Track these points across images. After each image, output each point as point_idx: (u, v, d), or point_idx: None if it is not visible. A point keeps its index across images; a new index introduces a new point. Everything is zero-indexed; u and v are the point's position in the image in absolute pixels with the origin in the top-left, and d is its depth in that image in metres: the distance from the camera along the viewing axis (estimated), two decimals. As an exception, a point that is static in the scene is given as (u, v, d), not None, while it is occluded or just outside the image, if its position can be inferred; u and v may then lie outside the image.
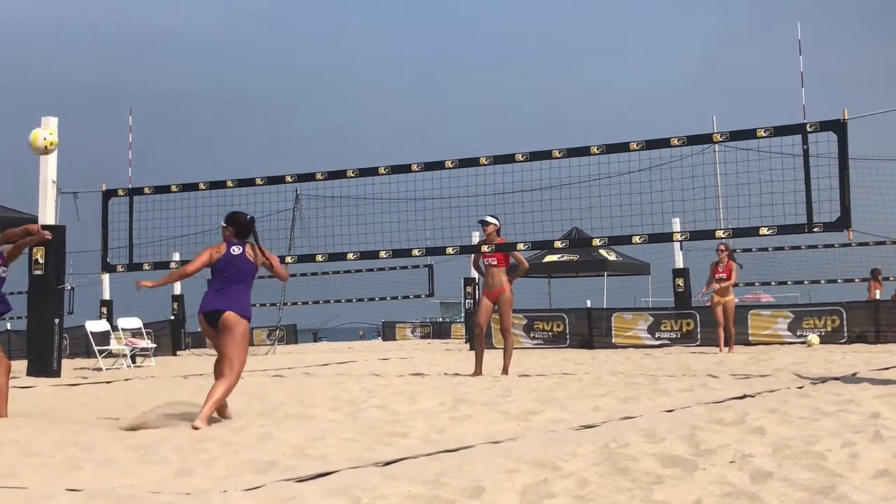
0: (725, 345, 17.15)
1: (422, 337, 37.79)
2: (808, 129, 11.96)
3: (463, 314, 27.83)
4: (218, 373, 7.86)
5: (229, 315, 7.70)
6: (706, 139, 13.42)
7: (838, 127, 11.81)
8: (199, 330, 35.26)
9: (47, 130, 12.90)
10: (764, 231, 12.50)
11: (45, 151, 13.10)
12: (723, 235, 13.73)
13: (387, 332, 39.46)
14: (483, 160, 13.78)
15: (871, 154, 23.25)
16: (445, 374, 13.19)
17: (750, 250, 29.37)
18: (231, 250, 7.89)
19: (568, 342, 20.97)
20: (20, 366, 15.38)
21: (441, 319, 45.15)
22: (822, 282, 30.05)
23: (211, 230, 15.63)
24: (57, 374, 14.47)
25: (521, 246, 14.16)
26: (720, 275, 17.18)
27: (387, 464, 5.29)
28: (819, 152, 12.03)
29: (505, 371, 12.74)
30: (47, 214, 15.18)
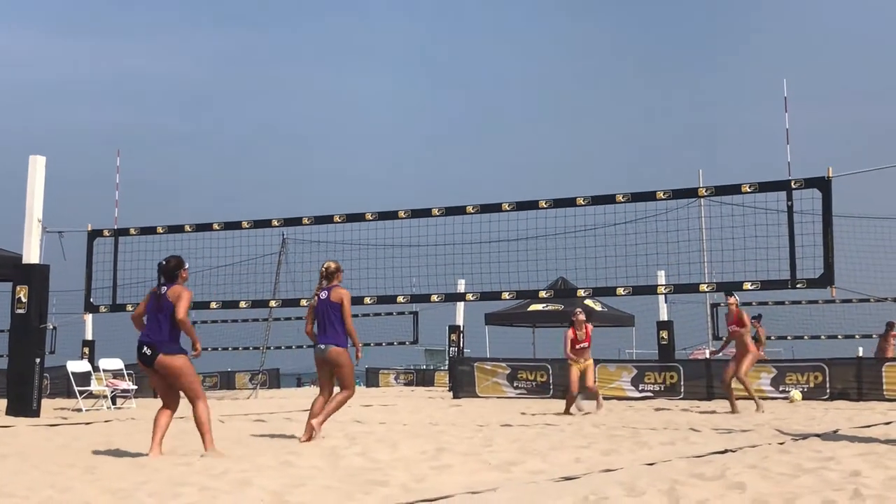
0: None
1: (405, 384, 37.60)
2: (793, 186, 12.07)
3: (447, 362, 27.78)
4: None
5: (161, 358, 8.45)
6: (692, 193, 13.52)
7: (823, 184, 11.92)
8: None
9: None
10: (748, 286, 12.57)
11: None
12: (707, 289, 13.76)
13: (370, 378, 39.26)
14: (470, 209, 13.84)
15: (855, 212, 23.42)
16: (429, 423, 13.12)
17: (734, 305, 29.48)
18: (160, 289, 8.67)
19: (551, 392, 20.89)
20: (-1, 405, 15.25)
21: (425, 367, 44.96)
22: (806, 338, 30.15)
23: (196, 272, 15.65)
24: (36, 413, 14.36)
25: (505, 295, 14.20)
26: (582, 344, 15.31)
27: (365, 512, 5.26)
28: (803, 209, 12.13)
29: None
30: (32, 253, 15.14)
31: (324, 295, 10.05)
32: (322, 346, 10.07)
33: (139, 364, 8.74)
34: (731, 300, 15.42)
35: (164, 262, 8.77)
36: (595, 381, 15.67)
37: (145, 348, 8.51)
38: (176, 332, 8.53)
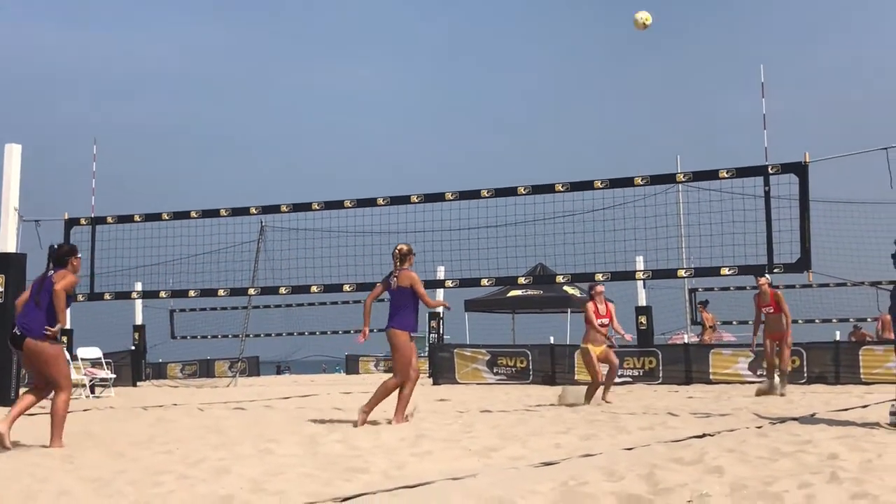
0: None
1: (385, 371, 37.55)
2: (770, 171, 12.10)
3: (427, 348, 27.82)
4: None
5: (29, 342, 8.23)
6: (670, 179, 13.54)
7: (800, 169, 11.96)
8: (160, 360, 34.81)
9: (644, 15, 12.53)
10: (725, 271, 12.60)
11: (644, 27, 12.65)
12: (685, 275, 13.79)
13: (350, 365, 39.25)
14: (449, 195, 13.82)
15: (832, 197, 23.56)
16: (409, 409, 13.11)
17: (712, 289, 29.67)
18: (47, 273, 8.51)
19: (531, 378, 20.97)
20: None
21: (405, 354, 44.93)
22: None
23: (174, 260, 15.59)
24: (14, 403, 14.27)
25: (485, 282, 14.20)
26: (603, 319, 14.17)
27: (345, 500, 5.26)
28: (780, 194, 12.17)
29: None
30: (8, 242, 15.03)
31: (394, 281, 10.24)
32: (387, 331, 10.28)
33: (10, 345, 8.55)
34: (763, 280, 14.89)
35: (55, 247, 8.63)
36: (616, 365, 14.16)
37: (16, 329, 8.32)
38: (54, 319, 8.30)
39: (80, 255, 8.72)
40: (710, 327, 24.67)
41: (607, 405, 13.25)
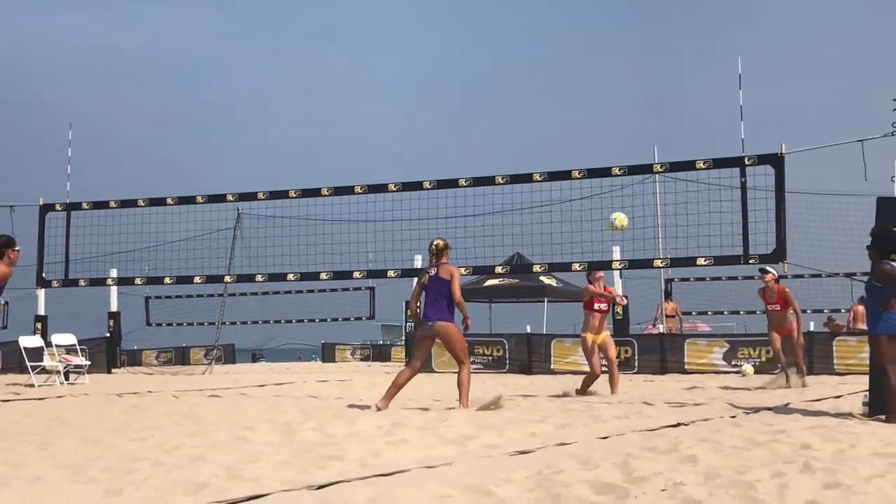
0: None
1: (362, 359, 37.58)
2: (747, 163, 12.15)
3: (403, 337, 27.79)
4: None
5: None
6: (647, 169, 13.57)
7: (776, 161, 12.02)
8: (136, 348, 34.61)
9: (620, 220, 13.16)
10: (701, 261, 12.66)
11: (615, 228, 13.22)
12: (661, 265, 13.82)
13: (326, 353, 39.20)
14: (426, 184, 13.82)
15: (807, 188, 23.65)
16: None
17: (688, 280, 29.77)
18: None
19: (507, 367, 21.00)
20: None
21: (381, 342, 44.95)
22: (758, 312, 30.31)
23: (150, 247, 15.52)
24: (-13, 389, 14.21)
25: (462, 270, 14.19)
26: (601, 305, 13.82)
27: (320, 487, 5.26)
28: (756, 185, 12.22)
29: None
30: (-18, 227, 14.93)
31: (433, 272, 10.49)
32: (429, 323, 10.47)
33: None
34: (769, 276, 14.75)
35: None
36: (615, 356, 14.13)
37: None
38: None
39: (17, 248, 8.64)
40: (669, 316, 24.90)
41: (623, 395, 13.30)
